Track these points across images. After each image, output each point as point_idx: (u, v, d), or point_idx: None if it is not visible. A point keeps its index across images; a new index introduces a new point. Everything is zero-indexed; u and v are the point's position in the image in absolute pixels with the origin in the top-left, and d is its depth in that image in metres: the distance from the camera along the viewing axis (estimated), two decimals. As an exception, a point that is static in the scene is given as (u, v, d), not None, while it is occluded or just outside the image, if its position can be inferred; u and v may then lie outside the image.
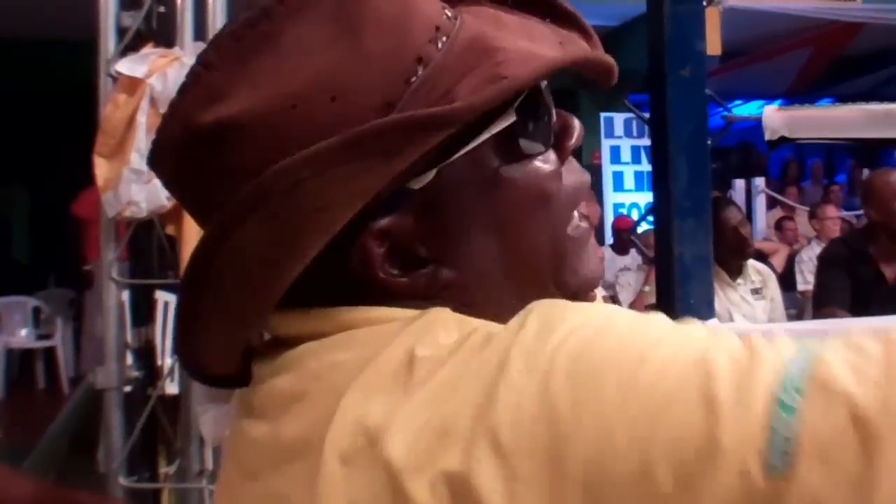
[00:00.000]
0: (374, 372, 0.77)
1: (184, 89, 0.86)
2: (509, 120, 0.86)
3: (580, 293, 0.94)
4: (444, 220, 0.86)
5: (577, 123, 0.94)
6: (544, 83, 0.90)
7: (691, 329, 0.73)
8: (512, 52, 0.84)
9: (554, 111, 0.92)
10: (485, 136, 0.85)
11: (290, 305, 0.87)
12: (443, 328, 0.80)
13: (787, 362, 0.67)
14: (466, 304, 0.87)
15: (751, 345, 0.69)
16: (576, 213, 0.95)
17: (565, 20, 0.95)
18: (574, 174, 0.94)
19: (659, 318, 0.75)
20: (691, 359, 0.69)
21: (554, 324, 0.74)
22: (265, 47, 0.83)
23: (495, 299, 0.88)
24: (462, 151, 0.84)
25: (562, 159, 0.92)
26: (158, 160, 0.90)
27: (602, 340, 0.72)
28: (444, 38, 0.84)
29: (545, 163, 0.90)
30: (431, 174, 0.84)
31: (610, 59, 0.92)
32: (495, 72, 0.82)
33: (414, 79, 0.81)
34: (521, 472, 0.68)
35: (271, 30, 0.83)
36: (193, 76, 0.86)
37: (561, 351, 0.71)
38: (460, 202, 0.86)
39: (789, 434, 0.63)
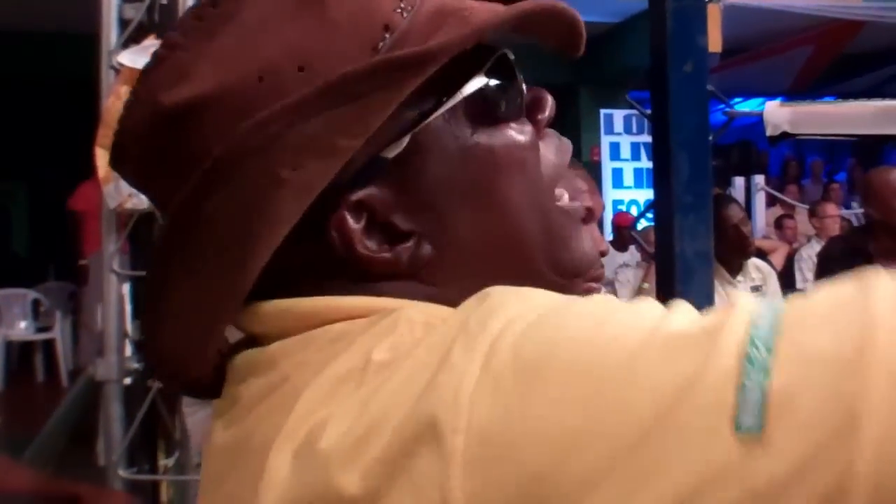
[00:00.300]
0: (332, 373, 0.75)
1: (146, 72, 0.85)
2: (480, 82, 0.85)
3: (575, 273, 0.92)
4: (422, 191, 0.84)
5: (548, 97, 0.93)
6: (512, 55, 0.89)
7: (650, 306, 0.69)
8: (477, 7, 0.83)
9: (524, 84, 0.91)
10: (456, 98, 0.84)
11: (266, 297, 0.85)
12: (408, 328, 0.77)
13: (756, 319, 0.62)
14: (449, 282, 0.85)
15: (712, 311, 0.65)
16: (564, 190, 0.94)
17: None
18: (553, 148, 0.93)
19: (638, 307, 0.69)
20: (649, 325, 0.65)
21: (500, 306, 0.71)
22: (229, 24, 0.82)
23: (480, 277, 0.83)
24: (434, 115, 0.83)
25: (538, 131, 0.91)
26: (123, 151, 0.87)
27: (553, 318, 0.69)
28: (410, 8, 0.82)
29: (520, 132, 0.88)
30: (405, 141, 0.82)
31: (572, 10, 0.88)
32: (463, 19, 0.81)
33: (381, 44, 0.80)
34: (457, 453, 0.63)
35: (234, 7, 0.82)
36: (156, 58, 0.84)
37: (507, 331, 0.67)
38: (437, 170, 0.84)
39: (761, 392, 0.58)
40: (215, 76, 0.80)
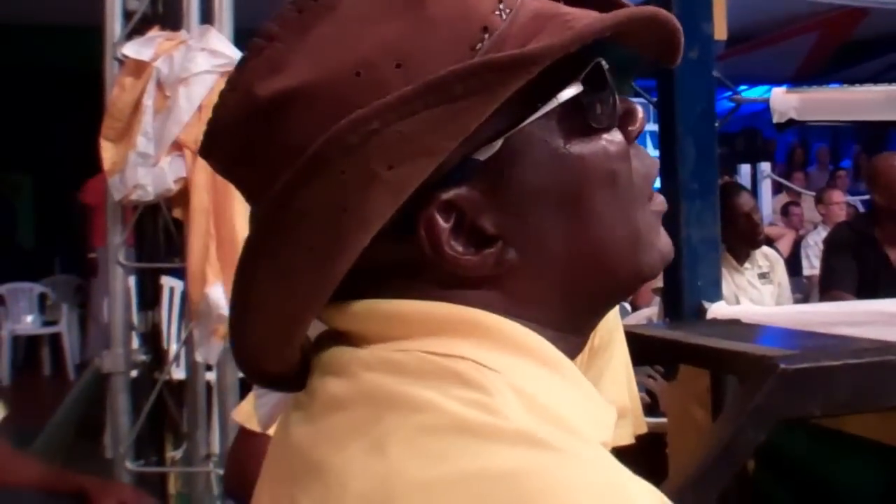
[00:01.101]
0: (397, 430, 0.75)
1: (243, 63, 0.85)
2: (576, 90, 0.83)
3: (651, 273, 0.92)
4: (511, 195, 0.83)
5: (640, 111, 0.91)
6: (607, 65, 0.87)
7: None
8: (577, 13, 0.83)
9: (617, 94, 0.89)
10: (551, 105, 0.83)
11: (350, 293, 0.85)
12: (459, 387, 0.77)
13: None
14: (532, 293, 0.86)
15: None
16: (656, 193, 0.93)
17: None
18: (644, 159, 0.91)
19: None
20: None
21: None
22: (327, 17, 0.82)
23: (562, 287, 0.86)
24: (529, 119, 0.82)
25: (628, 143, 0.89)
26: (216, 139, 0.87)
27: None
28: (508, 10, 0.82)
29: (612, 142, 0.87)
30: (498, 144, 0.82)
31: (674, 19, 0.88)
32: (565, 24, 0.80)
33: (479, 45, 0.80)
34: None
35: (333, 1, 0.82)
36: (254, 48, 0.84)
37: None
38: (528, 176, 0.83)
39: None
40: (311, 69, 0.80)
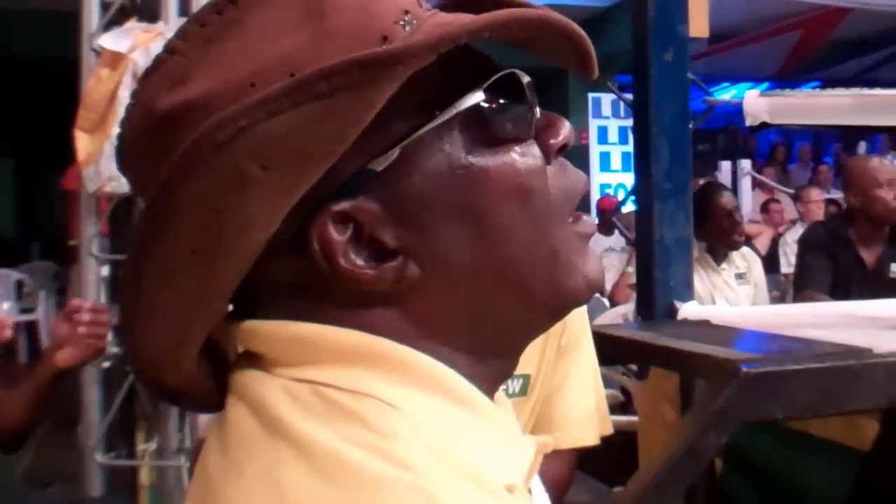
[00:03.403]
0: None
1: (145, 76, 0.84)
2: (476, 99, 0.81)
3: (576, 299, 0.88)
4: (410, 208, 0.81)
5: (564, 124, 0.88)
6: (527, 79, 0.85)
7: None
8: (463, 18, 0.80)
9: (538, 107, 0.87)
10: (448, 114, 0.81)
11: (260, 314, 0.84)
12: (362, 430, 0.76)
13: None
14: (439, 311, 0.83)
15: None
16: (580, 213, 0.89)
17: None
18: (567, 175, 0.88)
19: None
20: None
21: None
22: (230, 32, 0.81)
23: (472, 307, 0.83)
24: (425, 128, 0.80)
25: (546, 157, 0.86)
26: (123, 153, 0.87)
27: None
28: (414, 21, 0.80)
29: (524, 156, 0.84)
30: (395, 153, 0.79)
31: (560, 19, 0.83)
32: (442, 25, 0.79)
33: None
34: None
35: (237, 16, 0.81)
36: (157, 62, 0.83)
37: None
38: (426, 188, 0.81)
39: None
40: (210, 81, 0.79)
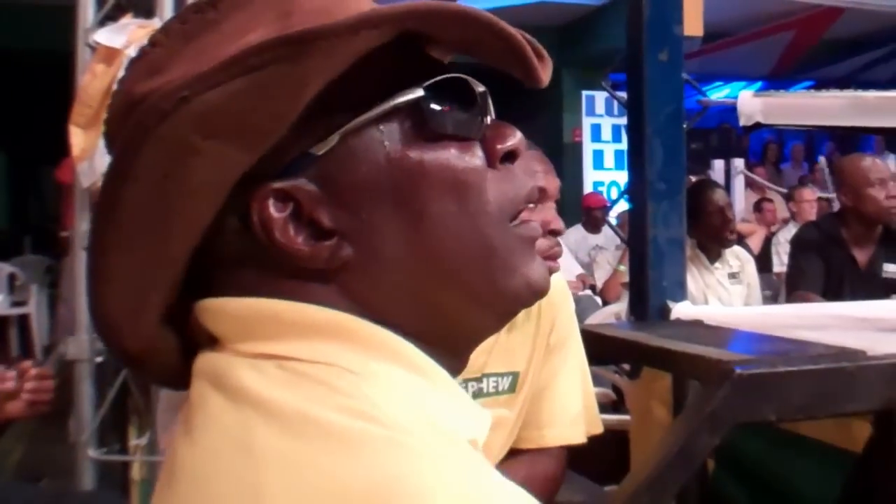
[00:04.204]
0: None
1: (130, 65, 0.91)
2: (414, 95, 0.86)
3: (519, 300, 0.93)
4: (346, 192, 0.86)
5: (514, 133, 0.93)
6: (481, 88, 0.90)
7: None
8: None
9: (490, 115, 0.92)
10: (384, 106, 0.86)
11: (214, 291, 0.88)
12: (327, 393, 0.79)
13: None
14: (375, 291, 0.87)
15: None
16: (531, 218, 0.94)
17: None
18: (513, 181, 0.93)
19: None
20: None
21: None
22: (208, 30, 0.88)
23: (412, 290, 0.87)
24: (362, 118, 0.85)
25: (490, 161, 0.91)
26: (108, 134, 0.93)
27: None
28: None
29: (462, 154, 0.89)
30: (335, 139, 0.85)
31: (480, 14, 0.85)
32: (370, 10, 0.83)
33: None
34: None
35: (215, 16, 0.88)
36: (140, 53, 0.91)
37: None
38: (363, 174, 0.86)
39: None
40: (181, 71, 0.84)
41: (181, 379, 0.91)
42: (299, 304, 0.85)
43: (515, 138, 0.92)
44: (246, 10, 0.88)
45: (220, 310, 0.87)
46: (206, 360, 0.87)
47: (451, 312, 0.89)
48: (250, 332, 0.85)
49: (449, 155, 0.88)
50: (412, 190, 0.86)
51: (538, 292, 0.93)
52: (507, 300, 0.92)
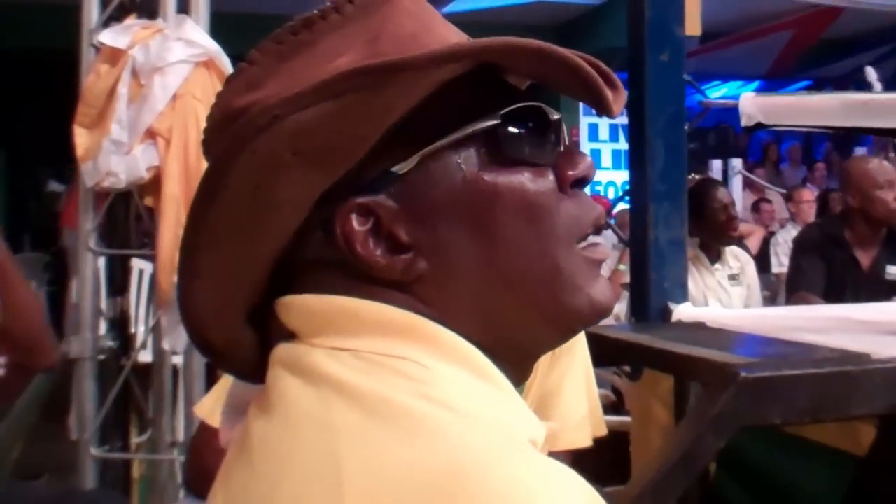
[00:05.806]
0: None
1: (228, 81, 0.97)
2: (492, 122, 0.91)
3: (579, 318, 0.97)
4: (424, 210, 0.91)
5: (585, 160, 0.98)
6: (556, 116, 0.96)
7: None
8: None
9: (563, 138, 0.97)
10: (463, 131, 0.91)
11: (294, 288, 0.94)
12: (404, 380, 0.85)
13: None
14: (445, 303, 0.92)
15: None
16: (598, 241, 0.99)
17: None
18: (581, 205, 0.97)
19: None
20: None
21: None
22: (302, 51, 0.93)
23: (480, 304, 0.92)
24: (441, 142, 0.91)
25: (561, 186, 0.95)
26: (206, 143, 0.99)
27: None
28: None
29: (535, 179, 0.93)
30: (415, 160, 0.90)
31: (556, 50, 0.90)
32: (451, 46, 0.89)
33: None
34: None
35: (310, 38, 0.94)
36: (238, 70, 0.97)
37: None
38: (439, 194, 0.91)
39: None
40: (276, 88, 0.91)
41: (258, 373, 0.97)
42: (378, 304, 0.91)
43: (586, 165, 0.97)
44: (338, 32, 0.94)
45: (301, 305, 0.93)
46: (283, 350, 0.93)
47: (517, 326, 0.94)
48: (328, 326, 0.91)
49: (522, 179, 0.93)
50: (486, 211, 0.92)
51: (601, 311, 0.98)
52: (569, 317, 0.96)
